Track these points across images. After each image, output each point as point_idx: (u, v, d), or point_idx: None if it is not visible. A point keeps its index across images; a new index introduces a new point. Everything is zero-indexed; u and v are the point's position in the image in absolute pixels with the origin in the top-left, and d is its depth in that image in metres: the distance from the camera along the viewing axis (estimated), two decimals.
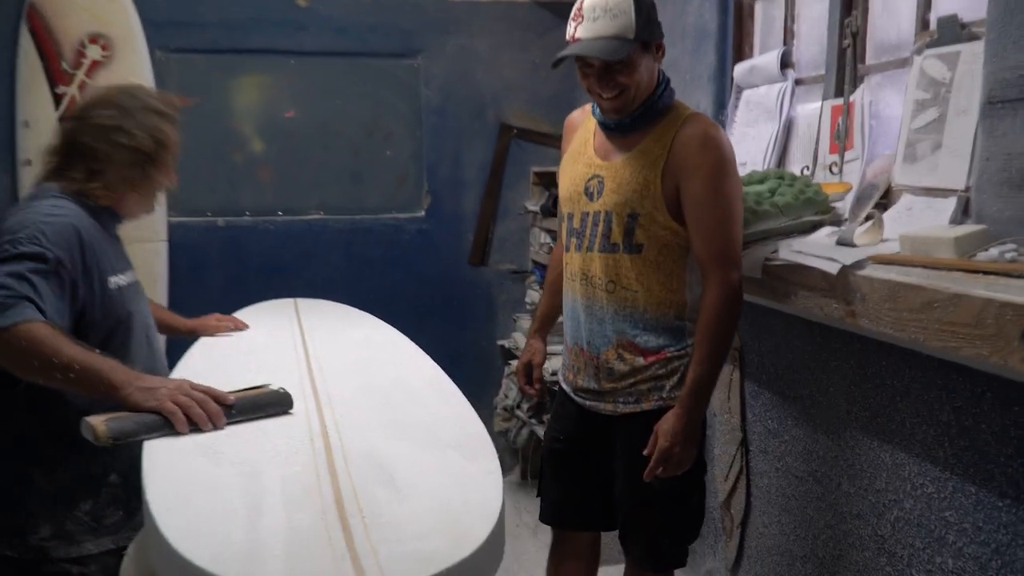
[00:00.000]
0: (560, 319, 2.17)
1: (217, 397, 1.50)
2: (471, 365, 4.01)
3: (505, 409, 3.74)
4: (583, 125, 2.06)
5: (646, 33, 1.82)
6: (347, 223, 3.90)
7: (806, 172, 2.29)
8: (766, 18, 2.71)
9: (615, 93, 1.85)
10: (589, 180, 1.95)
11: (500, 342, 4.05)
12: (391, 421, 1.58)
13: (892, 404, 1.87)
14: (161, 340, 2.03)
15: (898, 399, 1.85)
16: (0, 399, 1.67)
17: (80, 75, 3.43)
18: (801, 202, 2.04)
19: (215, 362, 2.00)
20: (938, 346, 1.46)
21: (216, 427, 1.47)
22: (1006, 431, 1.58)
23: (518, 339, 3.87)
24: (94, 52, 3.43)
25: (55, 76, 3.42)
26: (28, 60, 3.41)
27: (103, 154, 1.74)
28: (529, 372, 2.24)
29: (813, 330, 2.14)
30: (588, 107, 2.07)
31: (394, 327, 2.46)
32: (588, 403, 2.02)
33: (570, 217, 2.00)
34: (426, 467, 1.37)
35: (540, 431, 3.55)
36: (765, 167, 2.45)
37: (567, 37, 1.88)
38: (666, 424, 1.83)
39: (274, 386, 1.61)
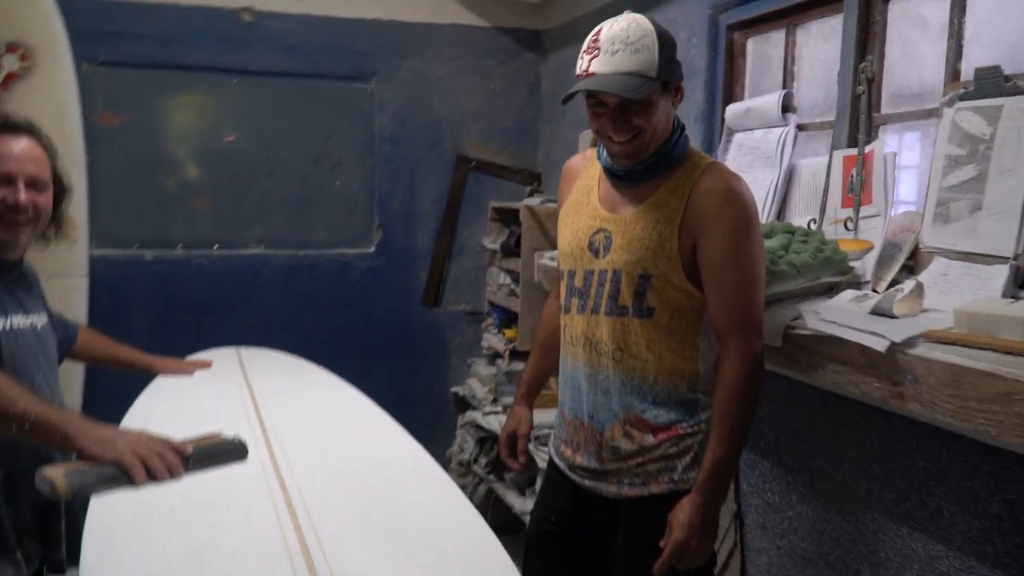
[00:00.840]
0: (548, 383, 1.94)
1: (174, 448, 1.49)
2: (423, 413, 3.75)
3: (460, 464, 3.48)
4: (585, 172, 1.84)
5: (667, 72, 1.62)
6: (290, 258, 3.60)
7: (812, 226, 2.12)
8: (759, 57, 2.55)
9: (629, 137, 1.64)
10: (594, 234, 1.73)
11: (454, 389, 3.79)
12: (382, 528, 1.32)
13: (924, 488, 1.70)
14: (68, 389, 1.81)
15: (932, 483, 1.68)
16: None
17: None
18: (820, 262, 1.86)
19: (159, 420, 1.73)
20: (1017, 442, 1.28)
21: (174, 477, 1.45)
22: None
23: (473, 386, 3.63)
24: (11, 62, 3.06)
25: None
26: None
27: None
28: (513, 443, 2.00)
29: (825, 398, 1.96)
30: (590, 152, 1.86)
31: (340, 372, 2.25)
32: (587, 482, 1.79)
33: (571, 275, 1.78)
34: None
35: (499, 489, 3.30)
36: (764, 218, 2.28)
37: (578, 71, 1.66)
38: (682, 514, 1.62)
39: (228, 434, 1.60)
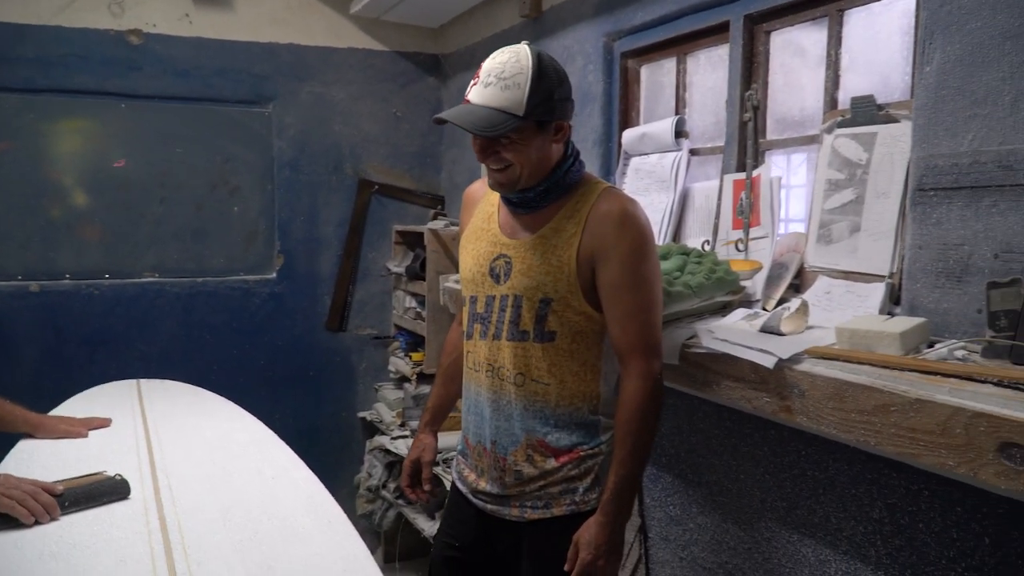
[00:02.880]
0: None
1: (46, 488, 1.46)
2: (330, 439, 3.68)
3: (369, 489, 3.43)
4: (485, 199, 1.85)
5: (540, 112, 1.61)
6: (187, 286, 3.48)
7: (707, 247, 2.20)
8: (652, 84, 2.64)
9: (500, 167, 1.66)
10: (495, 260, 1.74)
11: (361, 414, 3.74)
12: (263, 567, 1.29)
13: (814, 496, 1.78)
14: None
15: (820, 491, 1.76)
16: None
17: None
18: (713, 282, 1.93)
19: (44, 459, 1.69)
20: (893, 451, 1.35)
21: (52, 518, 1.43)
22: (946, 532, 1.50)
23: (380, 410, 3.59)
24: None
25: None
26: None
27: None
28: (417, 472, 1.99)
29: (721, 412, 2.03)
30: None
31: (243, 403, 2.20)
32: (490, 507, 1.79)
33: (473, 301, 1.79)
34: None
35: (408, 513, 3.27)
36: (660, 240, 2.35)
37: (464, 97, 1.67)
38: (587, 534, 1.63)
39: (109, 472, 1.57)
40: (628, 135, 2.56)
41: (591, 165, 2.71)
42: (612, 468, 1.65)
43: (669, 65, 2.53)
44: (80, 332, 3.31)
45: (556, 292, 1.67)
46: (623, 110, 2.65)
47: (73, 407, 2.08)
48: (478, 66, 1.66)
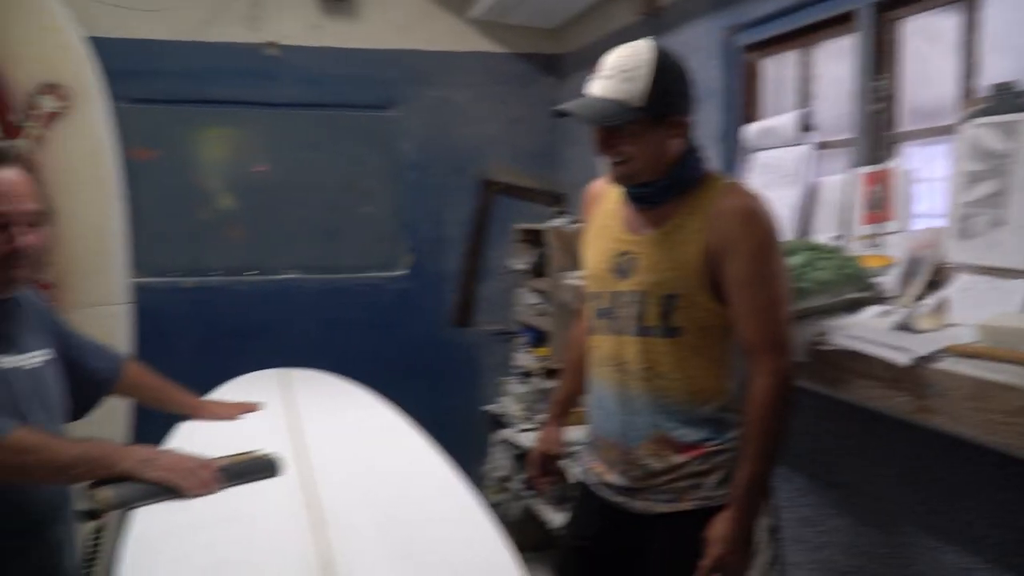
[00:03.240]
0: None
1: (208, 465, 1.58)
2: (457, 432, 3.75)
3: (496, 481, 3.51)
4: (608, 195, 1.88)
5: (659, 105, 1.63)
6: (323, 283, 3.69)
7: (836, 242, 2.15)
8: (776, 77, 2.60)
9: (618, 160, 1.69)
10: (619, 256, 1.77)
11: (486, 407, 3.84)
12: (403, 546, 1.38)
13: (954, 501, 1.73)
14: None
15: (962, 496, 1.71)
16: None
17: (35, 127, 3.16)
18: (843, 278, 1.89)
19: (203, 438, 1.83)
20: None
21: (211, 492, 1.54)
22: None
23: (506, 404, 3.68)
24: (50, 103, 3.16)
25: (6, 128, 3.14)
26: None
27: None
28: (544, 463, 2.04)
29: (854, 412, 1.98)
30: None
31: (377, 392, 2.33)
32: (617, 499, 1.82)
33: (598, 297, 1.82)
34: None
35: (534, 504, 3.34)
36: (786, 236, 2.31)
37: (583, 90, 1.71)
38: (718, 529, 1.65)
39: (261, 451, 1.69)
40: (751, 129, 2.53)
41: (713, 161, 2.70)
42: (742, 464, 1.66)
43: (792, 58, 2.49)
44: (229, 324, 3.56)
45: (681, 288, 1.68)
46: (745, 105, 2.63)
47: (227, 392, 2.23)
48: (597, 63, 1.70)
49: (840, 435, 2.04)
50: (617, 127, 1.64)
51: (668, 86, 1.64)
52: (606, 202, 1.87)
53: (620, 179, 1.73)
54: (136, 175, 3.39)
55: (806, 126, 2.35)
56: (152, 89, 3.44)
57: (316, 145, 3.66)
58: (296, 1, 3.60)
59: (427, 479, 1.70)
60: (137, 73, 3.41)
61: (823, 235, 2.25)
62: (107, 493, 1.49)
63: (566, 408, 2.09)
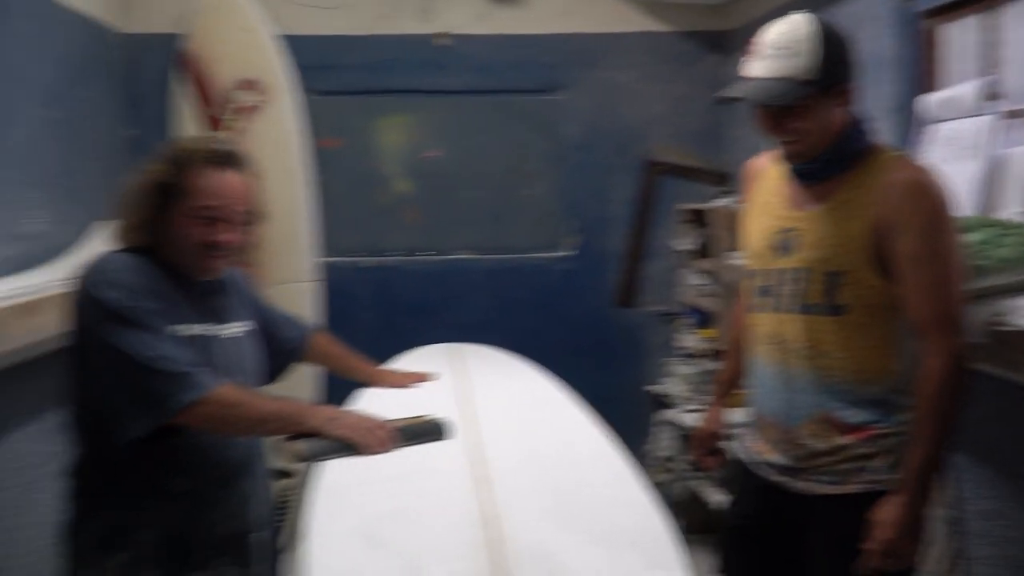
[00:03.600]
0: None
1: (387, 425, 1.70)
2: (619, 410, 3.79)
3: (658, 460, 3.55)
4: (768, 172, 1.87)
5: (825, 76, 1.61)
6: (493, 263, 3.85)
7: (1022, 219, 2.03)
8: (957, 44, 2.46)
9: (790, 139, 1.67)
10: (781, 233, 1.76)
11: (649, 387, 3.87)
12: (560, 504, 1.45)
13: None
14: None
15: None
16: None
17: (234, 119, 3.50)
18: None
19: (381, 402, 1.99)
20: None
21: (387, 450, 1.66)
22: None
23: (669, 384, 3.69)
24: (247, 97, 3.49)
25: (210, 121, 3.50)
26: (184, 106, 3.51)
27: (135, 193, 1.69)
28: (708, 441, 2.06)
29: None
30: (775, 152, 1.89)
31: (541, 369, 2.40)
32: (779, 478, 1.80)
33: (758, 275, 1.82)
34: (604, 573, 1.25)
35: (697, 485, 3.36)
36: (964, 212, 2.20)
37: (741, 71, 1.71)
38: (886, 513, 1.61)
39: (433, 415, 1.80)
40: (928, 100, 2.41)
41: (886, 134, 2.60)
42: (912, 448, 1.61)
43: (976, 22, 2.34)
44: (405, 302, 3.80)
45: (847, 264, 1.65)
46: (921, 74, 2.51)
47: (402, 363, 2.40)
48: (751, 43, 1.69)
49: None
50: (787, 105, 1.63)
51: (832, 55, 1.62)
52: (767, 179, 1.86)
53: (792, 157, 1.72)
54: (323, 162, 3.69)
55: (991, 95, 2.21)
56: (336, 81, 3.71)
57: (485, 130, 3.82)
58: None
59: (586, 447, 1.77)
60: (322, 67, 3.68)
61: (1008, 211, 2.13)
62: (297, 447, 1.65)
63: (730, 388, 2.09)
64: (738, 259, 2.73)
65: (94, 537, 1.67)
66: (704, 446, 2.07)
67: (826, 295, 1.68)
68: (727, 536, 2.00)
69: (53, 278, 2.41)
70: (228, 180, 1.69)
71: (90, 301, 1.58)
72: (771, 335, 1.78)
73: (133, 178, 1.70)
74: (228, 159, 1.71)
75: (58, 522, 1.72)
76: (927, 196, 1.61)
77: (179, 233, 1.66)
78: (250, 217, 1.75)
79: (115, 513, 1.67)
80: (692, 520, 3.57)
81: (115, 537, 1.66)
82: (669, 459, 3.49)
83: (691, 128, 3.89)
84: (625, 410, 3.85)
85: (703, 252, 3.47)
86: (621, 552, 1.30)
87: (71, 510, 1.71)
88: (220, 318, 1.79)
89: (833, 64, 1.62)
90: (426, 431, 1.76)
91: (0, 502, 2.25)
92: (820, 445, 1.71)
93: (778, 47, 1.62)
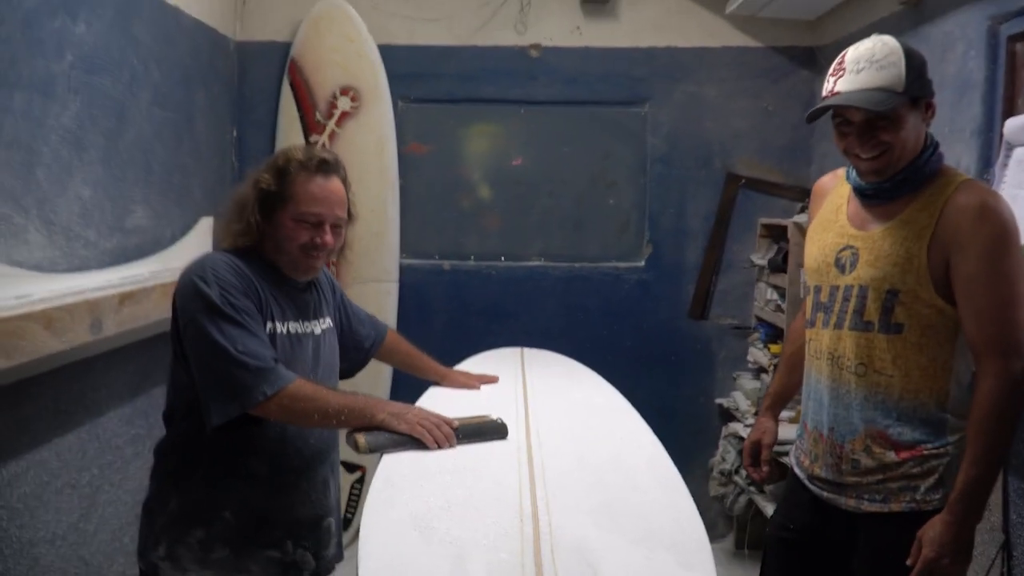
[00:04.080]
0: (796, 398, 2.01)
1: (447, 422, 1.81)
2: (686, 422, 3.87)
3: (722, 473, 3.55)
4: (835, 191, 1.90)
5: (916, 88, 1.66)
6: (566, 271, 3.91)
7: None
8: None
9: (877, 153, 1.69)
10: (841, 251, 1.79)
11: (718, 400, 3.87)
12: (604, 506, 1.52)
13: None
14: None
15: None
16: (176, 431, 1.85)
17: (331, 124, 3.69)
18: None
19: (447, 401, 2.09)
20: None
21: (450, 445, 1.77)
22: None
23: (737, 399, 3.69)
24: (344, 103, 3.69)
25: (309, 126, 3.71)
26: (287, 111, 3.73)
27: (242, 198, 1.83)
28: (757, 452, 2.09)
29: None
30: (840, 172, 1.92)
31: (609, 379, 2.44)
32: (825, 494, 1.84)
33: (817, 290, 1.85)
34: (637, 570, 1.31)
35: (759, 500, 3.35)
36: None
37: (824, 92, 1.74)
38: (933, 531, 1.62)
39: (494, 416, 1.90)
40: (1012, 123, 2.36)
41: (969, 156, 2.56)
42: (963, 467, 1.62)
43: None
44: (479, 305, 3.90)
45: (904, 284, 1.67)
46: (1008, 97, 2.45)
47: (470, 364, 2.50)
48: (835, 63, 1.72)
49: None
50: (878, 117, 1.66)
51: (918, 68, 1.67)
52: (833, 196, 1.90)
53: (873, 173, 1.73)
54: (409, 167, 3.85)
55: None
56: (427, 89, 3.85)
57: (569, 139, 3.88)
58: (560, 6, 3.83)
59: (637, 453, 1.83)
60: (415, 75, 3.83)
61: None
62: (364, 439, 1.75)
63: (780, 400, 2.12)
64: (803, 275, 2.73)
65: (175, 513, 1.80)
66: (750, 455, 2.10)
67: (883, 313, 1.71)
68: (770, 546, 2.02)
69: (155, 270, 2.62)
70: (329, 187, 1.82)
71: (193, 294, 1.72)
72: (827, 351, 1.81)
73: (240, 185, 1.87)
74: (328, 167, 1.83)
75: (142, 498, 1.87)
76: (991, 219, 1.62)
77: (285, 236, 1.81)
78: (346, 220, 1.88)
79: (196, 491, 1.80)
80: (752, 535, 3.57)
81: (195, 514, 1.79)
82: (731, 472, 3.49)
83: (777, 143, 3.87)
84: (693, 422, 3.88)
85: (778, 267, 3.46)
86: (656, 553, 1.36)
87: (155, 487, 1.86)
88: (308, 315, 1.92)
89: (920, 77, 1.67)
90: (485, 430, 1.85)
91: (87, 478, 2.42)
92: (869, 462, 1.74)
93: (871, 60, 1.66)
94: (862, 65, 1.66)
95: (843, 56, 1.71)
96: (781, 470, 2.12)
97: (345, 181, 1.87)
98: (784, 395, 2.11)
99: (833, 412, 1.80)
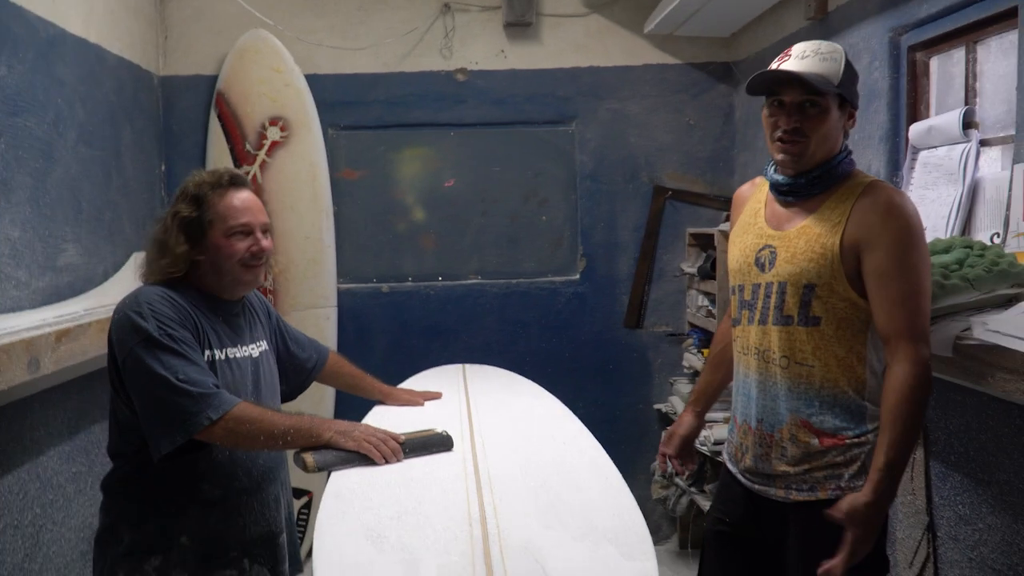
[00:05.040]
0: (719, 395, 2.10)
1: (394, 437, 1.84)
2: (627, 429, 3.97)
3: (663, 476, 3.65)
4: (753, 196, 2.01)
5: (847, 89, 1.78)
6: (503, 287, 3.98)
7: (996, 240, 2.14)
8: (943, 76, 2.57)
9: (797, 138, 1.78)
10: (760, 251, 1.89)
11: (657, 406, 3.98)
12: (549, 506, 1.58)
13: None
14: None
15: None
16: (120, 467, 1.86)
17: (261, 154, 3.70)
18: (994, 275, 1.90)
19: (392, 418, 2.14)
20: None
21: (397, 460, 1.81)
22: None
23: (675, 403, 3.80)
24: (274, 133, 3.70)
25: (239, 156, 3.71)
26: (216, 143, 3.73)
27: (162, 234, 1.87)
28: (671, 442, 2.18)
29: (1011, 411, 1.97)
30: (758, 179, 2.03)
31: (550, 390, 2.50)
32: (756, 486, 1.92)
33: (740, 289, 1.95)
34: (581, 564, 1.37)
35: (700, 501, 3.45)
36: (948, 234, 2.31)
37: (773, 67, 1.83)
38: (854, 512, 1.68)
39: (438, 429, 1.95)
40: (915, 129, 2.53)
41: (877, 161, 2.72)
42: (878, 450, 1.70)
43: (959, 55, 2.46)
44: (419, 325, 3.94)
45: (819, 278, 1.77)
46: (911, 104, 2.62)
47: (413, 383, 2.55)
48: (780, 54, 1.83)
49: (997, 433, 2.03)
50: (809, 104, 1.76)
51: (853, 78, 1.81)
52: (752, 202, 2.00)
53: (791, 157, 1.81)
54: (343, 193, 3.88)
55: (969, 123, 2.33)
56: (356, 116, 3.89)
57: (499, 159, 3.97)
58: (484, 31, 3.92)
59: (578, 456, 1.90)
60: (344, 103, 3.87)
61: (985, 233, 2.23)
62: (312, 458, 1.78)
63: (704, 396, 2.20)
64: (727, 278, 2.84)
65: (129, 544, 1.80)
66: (668, 444, 2.17)
67: (801, 307, 1.80)
68: (708, 540, 2.09)
69: (89, 307, 2.59)
70: (246, 196, 1.91)
71: (130, 329, 1.74)
72: (754, 346, 1.90)
73: (156, 224, 1.90)
74: (239, 179, 1.92)
75: (92, 533, 1.87)
76: (898, 214, 1.72)
77: (222, 255, 1.86)
78: (270, 225, 1.96)
79: (151, 521, 1.81)
80: (695, 535, 3.67)
81: (151, 543, 1.80)
82: (674, 475, 3.58)
83: (700, 155, 4.02)
84: (633, 428, 3.98)
85: (708, 275, 3.58)
86: (600, 546, 1.42)
87: (106, 520, 1.86)
88: (244, 340, 1.96)
89: (852, 83, 1.81)
90: (431, 443, 1.89)
91: (29, 518, 2.39)
92: (795, 450, 1.82)
93: (816, 51, 1.78)
94: (808, 53, 1.78)
95: (791, 47, 1.83)
96: (690, 456, 2.21)
97: (255, 192, 1.95)
98: (708, 391, 2.20)
99: (761, 404, 1.89)
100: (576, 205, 4.00)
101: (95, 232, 2.94)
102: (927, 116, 2.60)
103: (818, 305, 1.78)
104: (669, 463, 2.22)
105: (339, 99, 3.86)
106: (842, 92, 1.77)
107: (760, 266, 1.88)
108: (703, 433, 3.30)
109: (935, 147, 2.47)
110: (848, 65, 1.78)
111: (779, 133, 1.81)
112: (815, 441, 1.81)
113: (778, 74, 1.78)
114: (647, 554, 1.39)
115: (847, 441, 1.79)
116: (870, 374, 1.81)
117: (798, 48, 1.80)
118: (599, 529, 1.48)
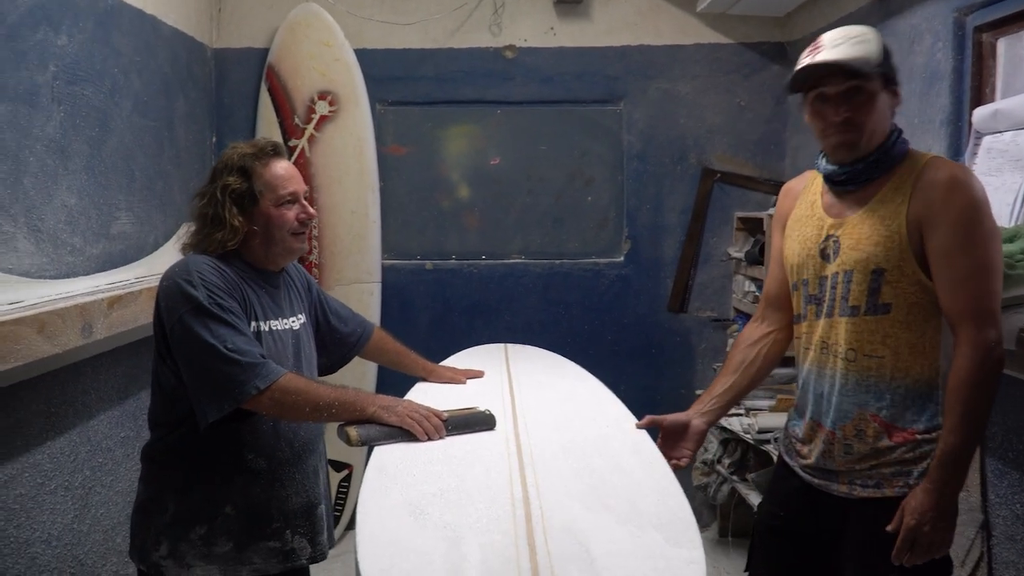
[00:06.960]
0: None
1: (438, 414, 1.84)
2: (668, 413, 3.92)
3: (704, 463, 3.61)
4: (806, 190, 1.93)
5: (888, 67, 1.72)
6: (546, 267, 3.96)
7: None
8: (1011, 58, 2.48)
9: (846, 128, 1.72)
10: (823, 242, 1.82)
11: (698, 391, 3.91)
12: (592, 489, 1.57)
13: None
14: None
15: None
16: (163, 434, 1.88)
17: (310, 128, 3.72)
18: None
19: (435, 395, 2.15)
20: None
21: (440, 437, 1.80)
22: None
23: None
24: (323, 107, 3.71)
25: (288, 130, 3.73)
26: (266, 115, 3.75)
27: (209, 208, 1.87)
28: (669, 431, 2.05)
29: None
30: (808, 173, 1.96)
31: (592, 373, 2.48)
32: (817, 481, 1.85)
33: (804, 284, 1.87)
34: (626, 548, 1.35)
35: (742, 489, 3.41)
36: (1012, 222, 2.23)
37: (804, 63, 1.77)
38: (914, 500, 1.64)
39: (481, 408, 1.94)
40: (980, 113, 2.44)
41: (938, 145, 2.63)
42: (942, 435, 1.64)
43: None
44: (461, 303, 3.94)
45: (888, 262, 1.70)
46: (975, 87, 2.53)
47: (455, 360, 2.55)
48: (812, 44, 1.76)
49: None
50: (855, 91, 1.69)
51: (890, 55, 1.73)
52: (806, 194, 1.92)
53: (848, 146, 1.75)
54: (389, 169, 3.88)
55: None
56: (404, 92, 3.89)
57: (546, 138, 3.94)
58: (534, 8, 3.89)
59: (621, 438, 1.88)
60: (393, 79, 3.87)
61: None
62: (356, 432, 1.79)
63: (714, 398, 2.09)
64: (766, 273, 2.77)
65: (175, 513, 1.83)
66: (667, 432, 2.04)
67: (869, 295, 1.73)
68: (759, 533, 2.03)
69: (140, 275, 2.64)
70: (287, 165, 1.93)
71: (179, 296, 1.76)
72: (818, 340, 1.83)
73: (199, 200, 1.90)
74: (279, 148, 1.94)
75: (136, 500, 1.89)
76: (961, 191, 1.65)
77: (273, 224, 1.88)
78: (309, 195, 1.99)
79: (196, 490, 1.84)
80: (735, 523, 3.64)
81: (196, 512, 1.83)
82: (713, 462, 3.55)
83: (751, 138, 3.94)
84: (673, 412, 3.92)
85: (755, 259, 3.52)
86: (644, 531, 1.40)
87: (151, 490, 1.88)
88: (285, 312, 1.98)
89: (891, 60, 1.73)
90: (473, 421, 1.89)
91: (80, 480, 2.44)
92: (862, 447, 1.75)
93: (847, 37, 1.71)
94: (839, 40, 1.71)
95: (819, 39, 1.75)
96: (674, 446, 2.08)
97: (294, 162, 1.97)
98: (719, 394, 2.08)
99: (827, 400, 1.81)
100: (622, 186, 3.96)
101: (147, 201, 2.97)
102: (992, 100, 2.51)
103: (888, 291, 1.71)
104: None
105: (388, 74, 3.86)
106: (884, 71, 1.70)
107: (825, 257, 1.81)
108: (746, 421, 3.26)
109: (1000, 132, 2.39)
110: (882, 41, 1.71)
111: (830, 129, 1.74)
112: (884, 437, 1.73)
113: (817, 66, 1.71)
114: (694, 542, 1.36)
115: (918, 437, 1.72)
116: (944, 360, 1.71)
117: (828, 37, 1.73)
118: (644, 514, 1.46)
